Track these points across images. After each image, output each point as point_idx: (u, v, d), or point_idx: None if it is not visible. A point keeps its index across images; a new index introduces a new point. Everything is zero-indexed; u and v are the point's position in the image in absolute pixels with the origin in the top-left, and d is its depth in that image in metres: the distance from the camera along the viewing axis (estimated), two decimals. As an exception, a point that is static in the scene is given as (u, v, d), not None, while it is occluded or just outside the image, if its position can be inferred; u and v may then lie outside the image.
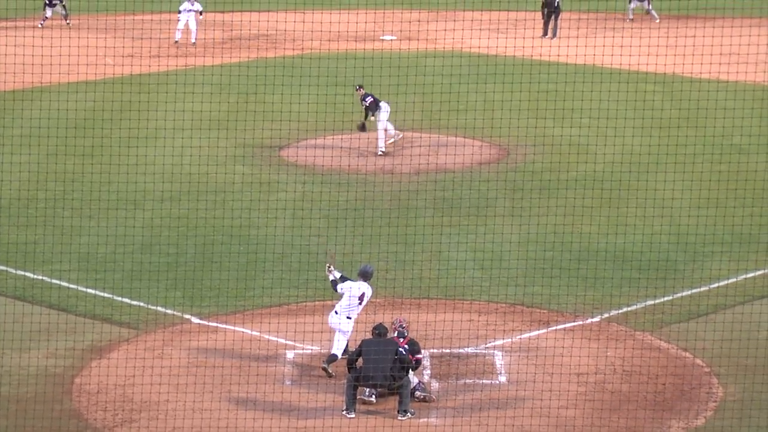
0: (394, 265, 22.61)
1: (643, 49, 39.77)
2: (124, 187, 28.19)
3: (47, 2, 49.98)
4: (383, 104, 31.38)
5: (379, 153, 31.43)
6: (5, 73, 35.53)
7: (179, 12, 42.74)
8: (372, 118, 31.63)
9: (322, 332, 19.69)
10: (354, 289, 18.18)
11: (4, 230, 25.57)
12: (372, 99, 31.29)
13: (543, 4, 47.88)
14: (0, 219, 26.44)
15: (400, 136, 31.97)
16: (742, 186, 27.39)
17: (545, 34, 47.42)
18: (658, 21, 49.71)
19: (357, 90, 31.92)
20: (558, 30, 47.57)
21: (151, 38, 47.60)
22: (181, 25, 42.96)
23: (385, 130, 31.86)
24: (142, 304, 22.04)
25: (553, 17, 47.81)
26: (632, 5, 50.47)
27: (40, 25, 48.30)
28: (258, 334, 20.57)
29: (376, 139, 31.67)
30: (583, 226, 25.69)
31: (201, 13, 43.61)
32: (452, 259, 23.79)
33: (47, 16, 49.45)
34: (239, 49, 46.40)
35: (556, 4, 47.60)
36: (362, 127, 31.81)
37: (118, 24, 49.22)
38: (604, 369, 19.10)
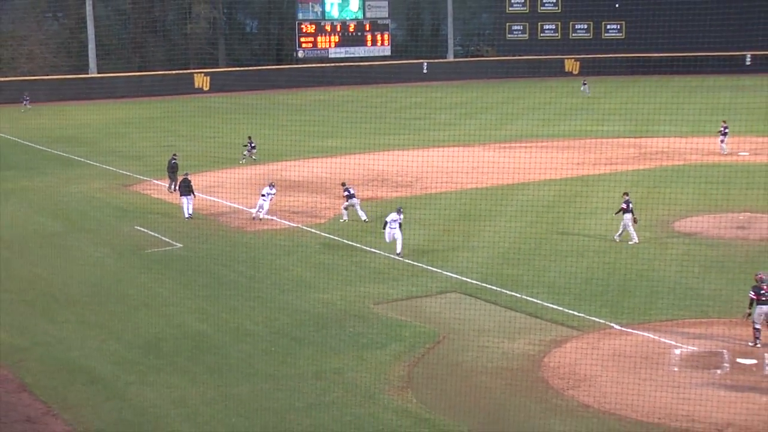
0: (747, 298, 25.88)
1: None
2: (573, 243, 36.46)
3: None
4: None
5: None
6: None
7: (262, 195, 41.90)
8: None
9: (699, 339, 25.49)
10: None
11: (503, 266, 32.93)
12: None
13: None
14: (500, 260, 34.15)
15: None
16: None
17: None
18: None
19: None
20: None
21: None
22: (257, 209, 42.11)
23: None
24: (584, 315, 28.12)
25: None
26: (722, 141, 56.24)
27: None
28: (656, 337, 26.12)
29: None
30: None
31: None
32: None
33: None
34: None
35: None
36: None
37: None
38: None
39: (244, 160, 58.97)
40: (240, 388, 23.60)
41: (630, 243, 36.65)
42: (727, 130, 57.79)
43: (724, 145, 57.72)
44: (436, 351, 25.93)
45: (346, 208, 41.72)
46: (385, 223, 35.65)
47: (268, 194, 42.15)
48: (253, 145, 59.41)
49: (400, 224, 35.55)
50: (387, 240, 35.53)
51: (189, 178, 43.63)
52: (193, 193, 43.31)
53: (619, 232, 37.13)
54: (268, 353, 26.07)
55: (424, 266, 33.83)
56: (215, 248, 37.77)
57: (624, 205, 36.92)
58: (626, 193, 37.71)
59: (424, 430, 21.04)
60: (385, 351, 25.75)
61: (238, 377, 24.29)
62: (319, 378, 24.07)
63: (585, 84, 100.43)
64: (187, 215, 43.04)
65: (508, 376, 23.84)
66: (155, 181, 51.71)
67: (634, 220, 36.81)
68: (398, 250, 35.41)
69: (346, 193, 41.52)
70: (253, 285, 32.65)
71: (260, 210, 42.13)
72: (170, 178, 48.69)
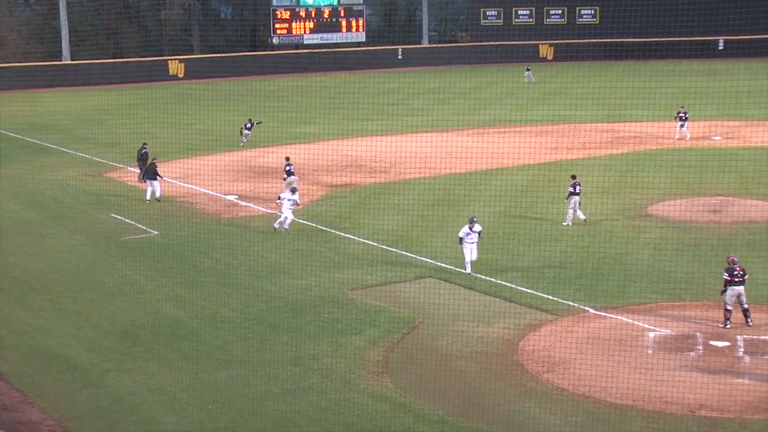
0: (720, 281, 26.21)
1: None
2: (548, 228, 36.64)
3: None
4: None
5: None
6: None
7: (279, 199, 37.66)
8: None
9: (673, 322, 25.70)
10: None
11: (479, 252, 32.26)
12: None
13: None
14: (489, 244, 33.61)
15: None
16: None
17: None
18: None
19: None
20: None
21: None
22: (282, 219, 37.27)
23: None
24: (559, 299, 28.29)
25: None
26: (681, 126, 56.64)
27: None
28: (631, 321, 26.34)
29: None
30: None
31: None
32: (757, 279, 27.26)
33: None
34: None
35: None
36: None
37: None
38: None
39: (243, 143, 59.02)
40: (217, 374, 23.66)
41: (564, 224, 37.26)
42: (687, 116, 57.95)
43: (686, 131, 57.82)
44: (412, 336, 26.10)
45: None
46: (461, 239, 31.57)
47: (290, 200, 37.42)
48: (249, 126, 59.34)
49: (479, 234, 31.53)
50: (467, 259, 31.31)
51: (156, 163, 43.93)
52: (159, 176, 43.48)
53: (569, 216, 37.57)
54: (245, 340, 26.13)
55: (400, 252, 33.99)
56: (191, 235, 37.74)
57: (572, 188, 37.27)
58: (574, 176, 37.96)
59: (401, 415, 21.17)
60: (362, 336, 25.90)
61: (215, 364, 24.36)
62: (296, 364, 24.18)
63: (528, 70, 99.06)
64: (148, 198, 43.15)
65: (484, 361, 24.05)
66: (130, 169, 51.51)
67: (579, 203, 37.35)
68: (467, 269, 31.47)
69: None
70: (229, 272, 32.67)
71: (285, 220, 37.35)
72: (141, 167, 48.55)
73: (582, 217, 37.46)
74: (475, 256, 31.35)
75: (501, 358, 24.22)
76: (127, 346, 25.80)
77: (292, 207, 37.56)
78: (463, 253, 31.44)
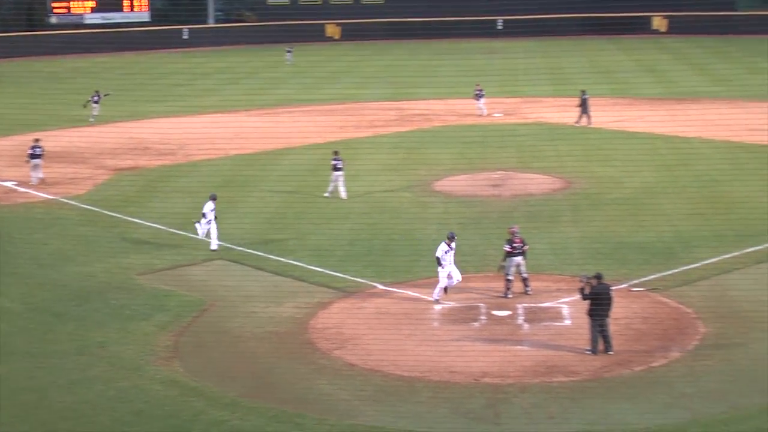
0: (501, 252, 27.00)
1: (654, 120, 51.35)
2: (337, 207, 37.04)
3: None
4: None
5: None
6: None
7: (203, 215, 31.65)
8: None
9: (458, 294, 26.36)
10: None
11: (269, 232, 33.01)
12: None
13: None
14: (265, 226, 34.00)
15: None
16: (718, 202, 35.32)
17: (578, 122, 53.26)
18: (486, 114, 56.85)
19: None
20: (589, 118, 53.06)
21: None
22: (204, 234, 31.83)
23: None
24: (348, 276, 28.49)
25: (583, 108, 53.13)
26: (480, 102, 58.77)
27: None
28: (418, 295, 26.82)
29: None
30: (616, 228, 32.64)
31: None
32: (536, 249, 28.34)
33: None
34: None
35: (584, 97, 53.40)
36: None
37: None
38: (630, 315, 24.55)
39: (92, 118, 57.44)
40: (-3, 368, 22.73)
41: (325, 195, 38.20)
42: (482, 93, 59.87)
43: (483, 107, 59.71)
44: (202, 319, 25.88)
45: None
46: (438, 258, 26.69)
47: (213, 211, 31.87)
48: (96, 99, 57.73)
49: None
50: (442, 284, 26.49)
51: None
52: None
53: (330, 188, 38.35)
54: (27, 331, 25.23)
55: (189, 235, 33.51)
56: (-34, 224, 36.03)
57: (334, 162, 38.14)
58: (336, 152, 38.76)
59: (192, 399, 20.96)
60: (151, 322, 25.48)
61: (-6, 358, 23.37)
62: (82, 353, 23.56)
63: (289, 51, 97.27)
64: None
65: (276, 341, 24.11)
66: None
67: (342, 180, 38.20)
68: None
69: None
70: (8, 261, 31.43)
71: (208, 236, 31.98)
72: None
73: (343, 194, 38.06)
74: (458, 277, 26.66)
75: (292, 338, 24.27)
76: None
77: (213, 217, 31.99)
78: (439, 276, 26.41)
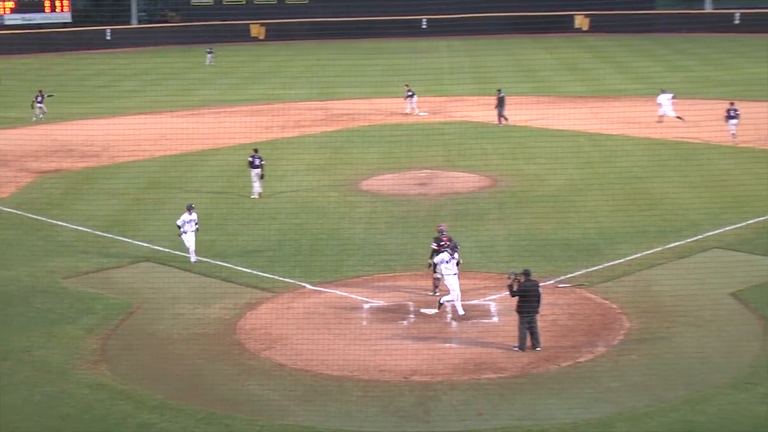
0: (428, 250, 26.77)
1: (577, 118, 51.03)
2: (264, 207, 36.94)
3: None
4: None
5: None
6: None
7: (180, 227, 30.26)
8: None
9: (387, 293, 26.49)
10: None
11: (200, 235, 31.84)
12: None
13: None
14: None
15: None
16: (640, 199, 36.07)
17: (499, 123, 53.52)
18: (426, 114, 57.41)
19: None
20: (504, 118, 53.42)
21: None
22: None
23: None
24: (277, 277, 28.43)
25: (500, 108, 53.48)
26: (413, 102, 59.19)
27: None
28: (347, 294, 26.84)
29: None
30: (542, 225, 32.98)
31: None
32: (463, 247, 27.57)
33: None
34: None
35: (501, 96, 53.91)
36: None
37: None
38: (556, 311, 24.81)
39: (36, 118, 56.72)
40: None
41: (252, 197, 38.17)
42: (413, 92, 60.09)
43: (416, 106, 59.87)
44: (129, 322, 25.64)
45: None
46: (434, 264, 26.06)
47: (191, 221, 30.46)
48: (40, 99, 56.98)
49: (458, 264, 25.53)
50: (453, 298, 25.29)
51: None
52: None
53: (254, 189, 38.47)
54: (-53, 338, 24.72)
55: (115, 237, 33.21)
56: None
57: (251, 159, 38.26)
58: (256, 150, 38.78)
59: (120, 403, 20.76)
60: (77, 325, 25.18)
61: None
62: (6, 358, 23.22)
63: (210, 52, 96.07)
64: None
65: (204, 342, 23.92)
66: None
67: (261, 176, 38.27)
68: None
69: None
70: (-73, 267, 30.75)
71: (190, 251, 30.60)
72: None
73: (258, 191, 38.24)
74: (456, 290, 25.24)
75: (220, 339, 24.11)
76: None
77: (196, 229, 30.60)
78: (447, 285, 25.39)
